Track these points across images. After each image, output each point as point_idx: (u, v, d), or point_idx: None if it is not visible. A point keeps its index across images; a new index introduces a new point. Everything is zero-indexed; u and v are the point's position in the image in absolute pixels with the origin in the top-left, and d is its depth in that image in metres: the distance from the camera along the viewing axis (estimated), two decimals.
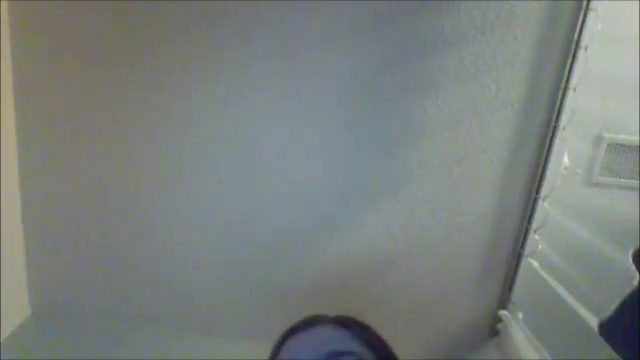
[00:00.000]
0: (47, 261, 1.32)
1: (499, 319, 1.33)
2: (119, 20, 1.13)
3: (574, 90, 1.13)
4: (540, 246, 1.22)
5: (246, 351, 1.31)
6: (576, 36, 1.10)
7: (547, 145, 1.18)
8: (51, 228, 1.29)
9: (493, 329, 1.35)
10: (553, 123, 1.16)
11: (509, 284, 1.31)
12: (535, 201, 1.22)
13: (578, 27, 1.10)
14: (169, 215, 1.28)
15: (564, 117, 1.15)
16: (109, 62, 1.16)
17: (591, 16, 1.08)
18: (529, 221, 1.24)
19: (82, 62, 1.17)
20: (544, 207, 1.21)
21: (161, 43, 1.15)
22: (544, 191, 1.21)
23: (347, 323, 0.57)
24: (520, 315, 1.27)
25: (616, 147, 1.18)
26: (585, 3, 1.08)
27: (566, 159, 1.16)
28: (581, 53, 1.10)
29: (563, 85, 1.14)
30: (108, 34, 1.14)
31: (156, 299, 1.35)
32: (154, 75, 1.17)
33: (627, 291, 0.73)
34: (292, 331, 0.58)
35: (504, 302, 1.33)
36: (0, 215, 1.17)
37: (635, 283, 0.71)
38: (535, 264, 1.23)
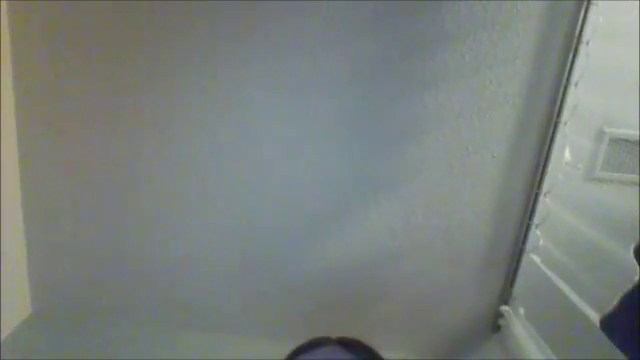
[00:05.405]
0: (48, 260, 1.32)
1: (500, 315, 1.33)
2: (119, 20, 1.13)
3: (575, 85, 1.12)
4: (541, 241, 1.22)
5: (247, 348, 1.32)
6: (577, 31, 1.09)
7: (548, 140, 1.18)
8: (52, 227, 1.29)
9: (494, 325, 1.35)
10: (554, 118, 1.16)
11: (510, 280, 1.31)
12: (536, 196, 1.22)
13: (580, 21, 1.09)
14: (170, 214, 1.28)
15: (565, 112, 1.15)
16: (108, 62, 1.16)
17: (592, 10, 1.08)
18: (530, 216, 1.24)
19: (82, 62, 1.16)
20: (545, 202, 1.21)
21: (162, 43, 1.14)
22: (545, 186, 1.20)
23: (352, 345, 0.58)
24: (522, 310, 1.27)
25: (618, 142, 1.18)
26: None
27: (567, 154, 1.15)
28: (582, 48, 1.10)
29: (564, 80, 1.13)
30: (107, 34, 1.14)
31: (157, 298, 1.36)
32: (154, 75, 1.17)
33: (628, 286, 0.73)
34: (297, 352, 0.58)
35: (505, 298, 1.33)
36: (1, 214, 1.17)
37: (636, 278, 0.71)
38: (536, 259, 1.23)
